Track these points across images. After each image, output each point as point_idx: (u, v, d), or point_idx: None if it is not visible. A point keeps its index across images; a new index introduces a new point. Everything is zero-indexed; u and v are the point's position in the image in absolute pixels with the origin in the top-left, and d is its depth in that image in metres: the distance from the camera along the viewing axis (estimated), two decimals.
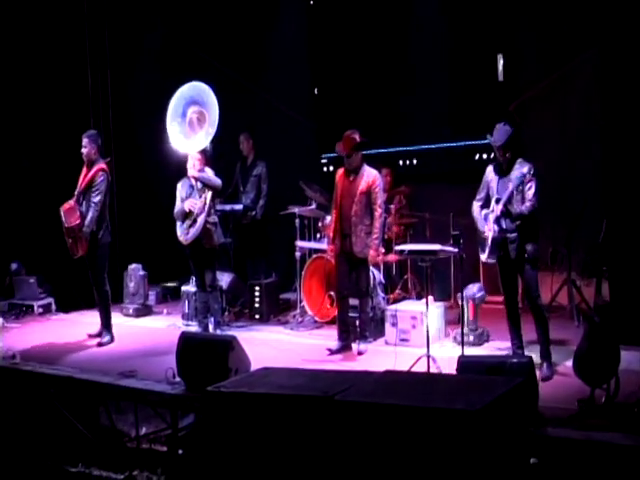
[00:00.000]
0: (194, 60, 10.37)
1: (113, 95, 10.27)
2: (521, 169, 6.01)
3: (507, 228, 6.08)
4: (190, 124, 7.90)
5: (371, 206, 7.07)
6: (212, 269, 7.88)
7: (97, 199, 7.67)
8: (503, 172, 6.16)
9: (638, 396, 5.18)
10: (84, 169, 7.84)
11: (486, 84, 8.87)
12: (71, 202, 7.70)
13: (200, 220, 7.62)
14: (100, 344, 7.84)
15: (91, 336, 8.04)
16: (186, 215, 7.70)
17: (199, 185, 7.74)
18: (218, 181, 7.86)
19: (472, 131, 8.76)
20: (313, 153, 9.96)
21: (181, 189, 7.84)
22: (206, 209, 7.65)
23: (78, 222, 7.57)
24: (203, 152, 7.83)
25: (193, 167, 7.74)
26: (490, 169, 6.32)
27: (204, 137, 7.79)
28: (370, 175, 7.10)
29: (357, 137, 7.05)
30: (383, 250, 8.12)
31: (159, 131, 10.38)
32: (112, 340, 7.93)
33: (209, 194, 7.70)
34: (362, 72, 9.77)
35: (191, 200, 7.70)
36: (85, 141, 7.81)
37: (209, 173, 7.82)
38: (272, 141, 9.89)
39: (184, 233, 7.71)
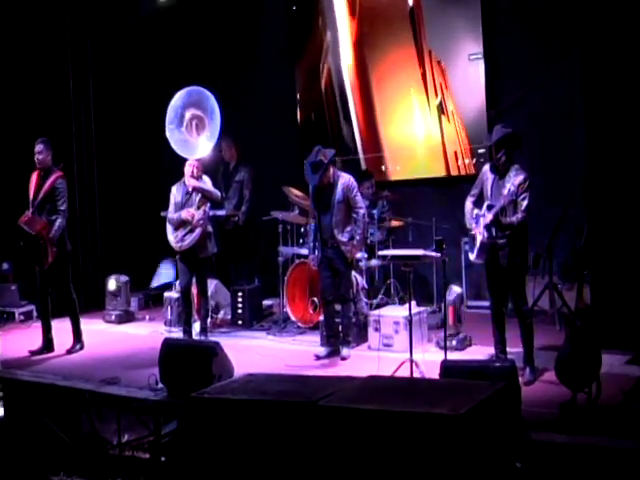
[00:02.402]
0: (176, 63, 10.36)
1: (95, 100, 10.23)
2: (516, 178, 6.03)
3: (496, 236, 6.10)
4: (188, 128, 7.80)
5: (351, 211, 7.07)
6: (203, 277, 7.85)
7: (64, 207, 7.50)
8: (499, 174, 6.18)
9: (619, 399, 5.22)
10: (35, 177, 7.55)
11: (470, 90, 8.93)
12: (28, 213, 7.45)
13: (197, 231, 7.57)
14: (69, 351, 7.73)
15: (32, 352, 7.65)
16: (181, 223, 7.63)
17: (198, 195, 7.67)
18: (217, 193, 7.87)
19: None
20: (296, 158, 9.95)
21: (176, 193, 7.76)
22: (204, 221, 7.62)
23: (44, 227, 7.32)
24: (200, 159, 7.76)
25: (191, 175, 7.67)
26: (487, 168, 6.34)
27: (205, 144, 7.70)
28: (344, 182, 7.06)
29: (324, 159, 6.95)
30: (366, 255, 8.17)
31: (141, 137, 10.43)
32: (82, 348, 7.82)
33: (208, 205, 7.67)
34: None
35: (188, 210, 7.61)
36: (41, 147, 7.53)
37: (207, 182, 7.78)
38: (254, 146, 9.86)
39: (179, 240, 7.62)
